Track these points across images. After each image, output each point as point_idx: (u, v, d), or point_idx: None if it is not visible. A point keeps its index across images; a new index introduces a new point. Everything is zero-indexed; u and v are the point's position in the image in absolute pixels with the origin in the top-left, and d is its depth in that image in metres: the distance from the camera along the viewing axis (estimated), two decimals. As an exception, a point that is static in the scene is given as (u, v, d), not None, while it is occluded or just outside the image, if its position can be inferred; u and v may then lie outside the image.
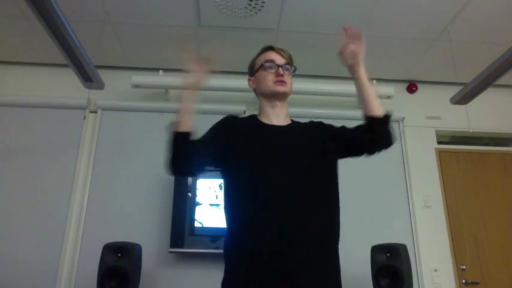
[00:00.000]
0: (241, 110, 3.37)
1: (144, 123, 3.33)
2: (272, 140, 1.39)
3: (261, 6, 2.71)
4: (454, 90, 2.93)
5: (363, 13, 2.79)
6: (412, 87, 3.65)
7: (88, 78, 2.58)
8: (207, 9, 2.75)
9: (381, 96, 3.37)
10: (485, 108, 3.60)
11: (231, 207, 1.34)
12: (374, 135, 1.39)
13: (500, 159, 3.49)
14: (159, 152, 3.22)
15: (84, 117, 3.28)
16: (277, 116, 1.46)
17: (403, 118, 3.50)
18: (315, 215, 1.28)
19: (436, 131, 3.53)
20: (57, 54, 2.91)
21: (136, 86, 3.23)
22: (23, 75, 3.47)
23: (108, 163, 3.19)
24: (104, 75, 2.94)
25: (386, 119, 1.40)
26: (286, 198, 1.26)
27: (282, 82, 1.43)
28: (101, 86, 2.74)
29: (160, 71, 3.35)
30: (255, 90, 1.55)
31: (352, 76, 1.43)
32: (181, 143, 1.30)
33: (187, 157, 1.31)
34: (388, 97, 3.36)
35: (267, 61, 1.46)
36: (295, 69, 1.50)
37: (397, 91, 3.48)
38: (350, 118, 3.42)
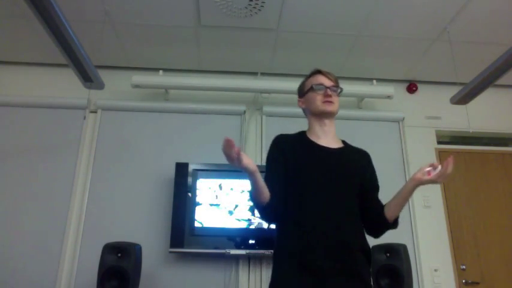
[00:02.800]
0: (241, 110, 3.38)
1: (144, 123, 3.33)
2: (323, 161, 1.52)
3: (261, 6, 2.71)
4: (454, 90, 2.93)
5: (363, 13, 2.79)
6: (412, 87, 3.65)
7: (88, 78, 2.58)
8: (207, 9, 2.75)
9: (381, 96, 3.39)
10: (485, 108, 3.60)
11: (285, 218, 1.49)
12: (374, 228, 1.57)
13: (500, 159, 3.49)
14: (159, 152, 3.25)
15: (84, 117, 3.28)
16: (326, 135, 1.60)
17: (403, 118, 3.50)
18: (355, 233, 1.47)
19: (436, 131, 3.53)
20: (57, 54, 2.93)
21: (136, 86, 3.23)
22: (23, 75, 3.47)
23: (108, 163, 3.19)
24: (104, 75, 2.94)
25: (394, 226, 1.54)
26: (332, 217, 1.44)
27: (330, 102, 1.57)
28: (101, 86, 2.74)
29: (160, 71, 3.36)
30: (304, 111, 1.69)
31: (408, 191, 1.49)
32: (267, 212, 1.48)
33: (275, 215, 1.51)
34: (388, 97, 3.36)
35: (316, 84, 1.60)
36: (342, 90, 1.64)
37: (397, 91, 3.48)
38: (350, 118, 3.44)
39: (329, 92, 1.57)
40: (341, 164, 1.53)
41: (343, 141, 1.66)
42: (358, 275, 1.40)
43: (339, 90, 1.62)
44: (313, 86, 1.60)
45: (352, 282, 1.38)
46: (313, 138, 1.59)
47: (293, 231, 1.44)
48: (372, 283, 1.47)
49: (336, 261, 1.37)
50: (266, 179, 1.48)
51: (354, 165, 1.56)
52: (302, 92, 1.68)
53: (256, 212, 2.77)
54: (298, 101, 1.70)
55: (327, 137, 1.59)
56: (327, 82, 1.60)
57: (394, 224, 1.53)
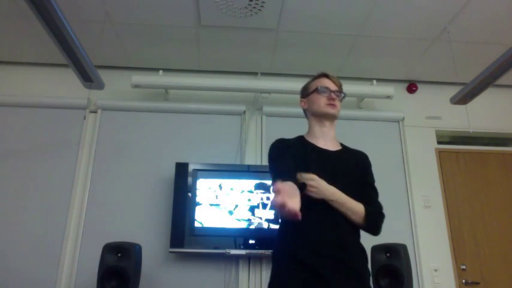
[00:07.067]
0: (241, 110, 3.38)
1: (144, 123, 3.33)
2: (323, 163, 1.55)
3: (261, 6, 2.71)
4: (454, 90, 2.93)
5: (363, 13, 2.79)
6: (412, 87, 3.65)
7: (88, 78, 2.58)
8: (207, 9, 2.75)
9: (380, 96, 3.39)
10: (485, 108, 3.60)
11: (286, 221, 1.53)
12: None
13: (500, 159, 3.49)
14: (159, 152, 3.25)
15: (84, 117, 3.28)
16: (324, 137, 1.64)
17: (403, 118, 3.50)
18: (352, 235, 1.51)
19: (436, 131, 3.53)
20: (57, 54, 2.92)
21: (136, 86, 3.23)
22: (23, 75, 3.47)
23: (108, 163, 3.19)
24: (104, 75, 2.94)
25: (370, 223, 1.53)
26: (332, 218, 1.46)
27: (333, 105, 1.63)
28: (101, 86, 2.74)
29: (160, 71, 3.36)
30: (305, 111, 1.74)
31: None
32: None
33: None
34: (388, 97, 3.37)
35: (322, 86, 1.66)
36: (345, 95, 1.71)
37: (397, 91, 3.48)
38: (350, 118, 3.44)
39: (333, 95, 1.64)
40: (340, 166, 1.56)
41: (342, 144, 1.69)
42: (356, 274, 1.43)
43: (342, 96, 1.69)
44: (319, 88, 1.66)
45: (350, 281, 1.41)
46: (312, 140, 1.63)
47: (293, 231, 1.47)
48: (370, 282, 1.49)
49: (335, 261, 1.40)
50: (278, 172, 1.46)
51: (353, 167, 1.59)
52: (306, 93, 1.72)
53: (256, 212, 2.77)
54: (301, 101, 1.75)
55: (326, 139, 1.63)
56: (332, 86, 1.67)
57: (368, 228, 1.53)
